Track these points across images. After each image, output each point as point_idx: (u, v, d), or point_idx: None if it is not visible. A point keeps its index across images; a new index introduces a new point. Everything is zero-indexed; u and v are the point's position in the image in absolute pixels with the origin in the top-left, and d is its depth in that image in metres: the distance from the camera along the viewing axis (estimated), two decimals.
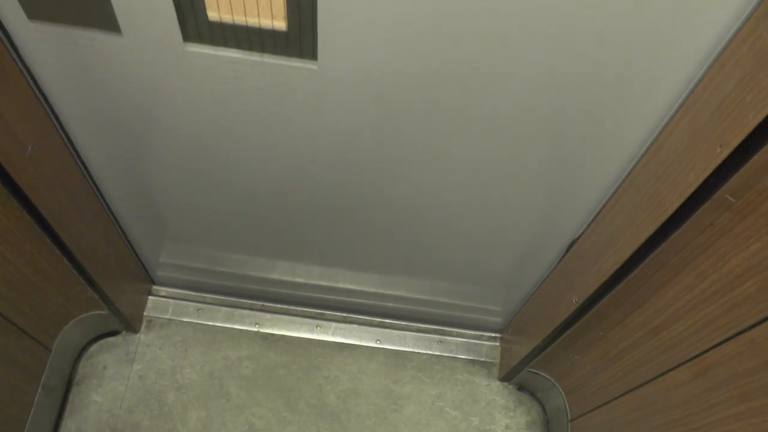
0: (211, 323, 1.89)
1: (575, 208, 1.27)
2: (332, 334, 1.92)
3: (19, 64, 1.02)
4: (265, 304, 1.93)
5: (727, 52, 0.83)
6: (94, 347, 1.81)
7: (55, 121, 1.16)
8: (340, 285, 1.77)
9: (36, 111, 1.10)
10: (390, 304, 1.85)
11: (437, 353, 1.93)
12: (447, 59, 0.94)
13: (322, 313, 1.94)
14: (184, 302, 1.90)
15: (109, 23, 0.94)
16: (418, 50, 0.93)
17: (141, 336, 1.85)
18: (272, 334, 1.90)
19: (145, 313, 1.88)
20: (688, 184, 0.88)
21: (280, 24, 0.92)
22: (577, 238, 1.34)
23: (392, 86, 1.01)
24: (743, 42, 0.78)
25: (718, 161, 0.80)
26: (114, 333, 1.83)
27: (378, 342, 1.92)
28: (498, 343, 1.95)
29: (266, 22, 0.92)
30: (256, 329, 1.90)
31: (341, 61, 0.97)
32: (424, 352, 1.93)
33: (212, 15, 0.92)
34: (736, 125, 0.76)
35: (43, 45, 0.99)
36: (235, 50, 0.98)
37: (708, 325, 0.99)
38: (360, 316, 1.94)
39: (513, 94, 1.00)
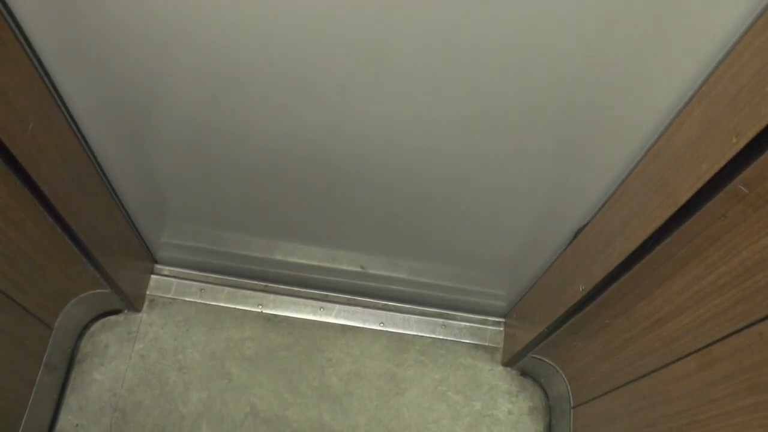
0: (213, 303, 1.89)
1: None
2: (335, 316, 1.91)
3: (21, 40, 1.00)
4: (269, 284, 1.92)
5: (744, 40, 0.80)
6: (96, 326, 1.81)
7: (57, 98, 1.15)
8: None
9: (37, 87, 1.08)
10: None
11: (441, 337, 1.92)
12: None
13: (326, 295, 1.93)
14: (187, 282, 1.90)
15: None
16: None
17: (143, 315, 1.85)
18: (275, 315, 1.89)
19: (147, 292, 1.87)
20: (701, 175, 0.86)
21: None
22: (585, 225, 1.32)
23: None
24: (763, 30, 0.76)
25: (733, 152, 0.78)
26: (116, 312, 1.83)
27: (381, 325, 1.91)
28: (502, 328, 1.94)
29: None
30: (258, 310, 1.89)
31: None
32: (427, 335, 1.92)
33: None
34: (754, 115, 0.74)
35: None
36: None
37: (715, 317, 0.97)
38: (364, 299, 1.94)
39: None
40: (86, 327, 1.80)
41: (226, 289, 1.90)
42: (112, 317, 1.83)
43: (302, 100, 1.11)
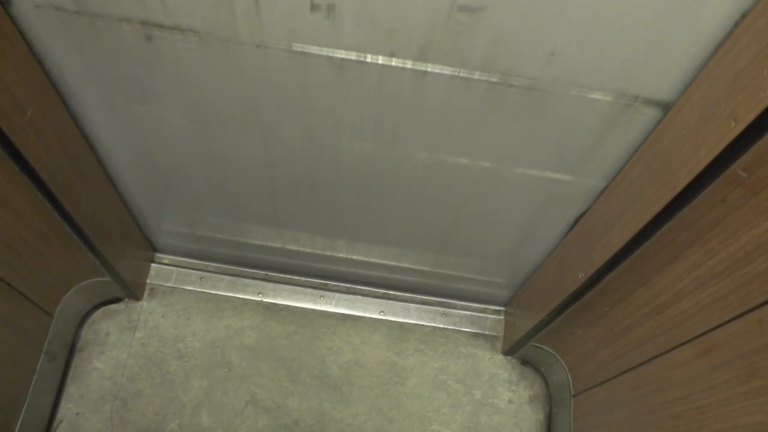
0: (213, 292, 1.89)
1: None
2: (335, 305, 1.91)
3: (19, 27, 1.00)
4: (269, 273, 1.92)
5: (742, 25, 0.80)
6: (96, 314, 1.81)
7: (56, 86, 1.15)
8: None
9: (36, 75, 1.08)
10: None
11: (441, 326, 1.92)
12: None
13: (326, 284, 1.93)
14: (187, 270, 1.90)
15: None
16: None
17: (143, 304, 1.85)
18: (275, 304, 1.90)
19: (147, 281, 1.87)
20: (700, 160, 0.86)
21: None
22: (584, 213, 1.32)
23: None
24: (761, 14, 0.76)
25: (731, 136, 0.78)
26: (116, 300, 1.83)
27: (381, 314, 1.91)
28: (502, 317, 1.94)
29: None
30: (259, 299, 1.89)
31: None
32: (427, 324, 1.92)
33: None
34: (752, 100, 0.74)
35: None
36: None
37: (714, 303, 0.97)
38: (364, 287, 1.94)
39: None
40: (87, 315, 1.80)
41: (226, 277, 1.90)
42: (113, 305, 1.83)
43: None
